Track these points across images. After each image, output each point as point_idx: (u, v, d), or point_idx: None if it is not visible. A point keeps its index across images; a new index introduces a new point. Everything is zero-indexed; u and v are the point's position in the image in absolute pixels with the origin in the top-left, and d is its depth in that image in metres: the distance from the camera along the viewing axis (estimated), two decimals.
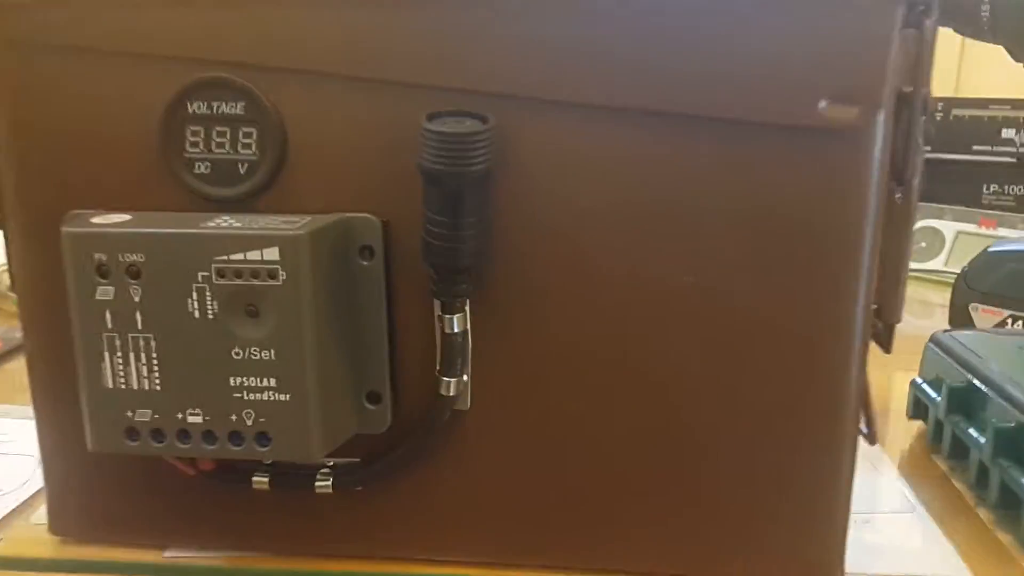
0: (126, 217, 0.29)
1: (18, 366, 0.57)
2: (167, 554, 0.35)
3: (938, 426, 0.44)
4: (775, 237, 0.29)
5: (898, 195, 0.30)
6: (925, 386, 0.46)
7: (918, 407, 0.47)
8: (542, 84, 0.28)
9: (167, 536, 0.35)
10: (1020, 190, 1.10)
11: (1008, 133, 0.95)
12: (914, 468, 0.44)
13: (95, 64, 0.30)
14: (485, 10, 0.28)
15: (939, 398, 0.44)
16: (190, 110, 0.29)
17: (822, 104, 0.27)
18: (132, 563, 0.34)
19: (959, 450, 0.42)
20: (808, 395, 0.31)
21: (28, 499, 0.39)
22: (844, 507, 0.32)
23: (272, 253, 0.27)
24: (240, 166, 0.30)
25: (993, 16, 0.57)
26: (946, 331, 0.48)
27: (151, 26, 0.29)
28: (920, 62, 0.28)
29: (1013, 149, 0.97)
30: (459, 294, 0.29)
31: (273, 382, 0.28)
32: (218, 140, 0.30)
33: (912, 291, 0.80)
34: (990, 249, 0.66)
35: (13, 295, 0.58)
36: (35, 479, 0.40)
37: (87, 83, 0.30)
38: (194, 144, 0.30)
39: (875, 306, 0.31)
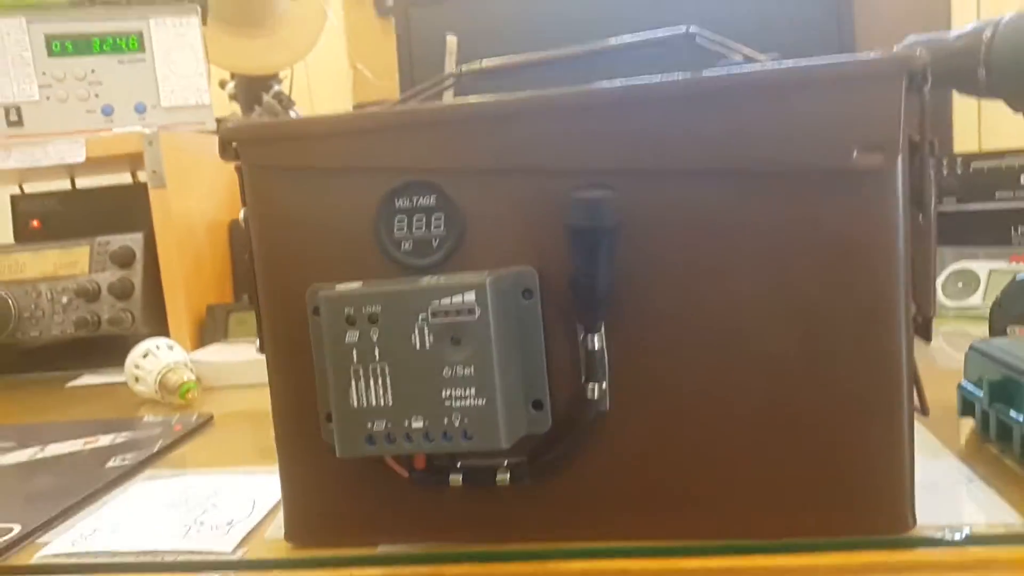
0: (358, 283, 0.40)
1: (204, 441, 0.68)
2: (380, 549, 0.44)
3: (984, 416, 0.52)
4: (833, 254, 0.39)
5: (921, 218, 0.40)
6: (970, 386, 0.55)
7: (966, 405, 0.55)
8: (648, 158, 0.40)
9: (378, 535, 0.45)
10: None
11: None
12: (970, 454, 0.52)
13: (326, 178, 0.42)
14: (603, 116, 0.40)
15: (982, 393, 0.52)
16: (397, 204, 0.41)
17: (855, 154, 0.38)
18: (354, 557, 0.44)
19: (1004, 433, 0.50)
20: (872, 376, 0.40)
21: (257, 525, 0.49)
22: (910, 467, 0.41)
23: (470, 296, 0.38)
24: (433, 241, 0.41)
25: (989, 77, 0.68)
26: (982, 340, 0.57)
27: (369, 149, 0.41)
28: (923, 117, 0.39)
29: None
30: (598, 318, 0.40)
31: (473, 391, 0.38)
32: (416, 224, 0.41)
33: (953, 327, 0.89)
34: (1019, 276, 0.75)
35: (182, 392, 0.73)
36: (256, 510, 0.50)
37: (318, 192, 0.42)
38: (399, 228, 0.41)
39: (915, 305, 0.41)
